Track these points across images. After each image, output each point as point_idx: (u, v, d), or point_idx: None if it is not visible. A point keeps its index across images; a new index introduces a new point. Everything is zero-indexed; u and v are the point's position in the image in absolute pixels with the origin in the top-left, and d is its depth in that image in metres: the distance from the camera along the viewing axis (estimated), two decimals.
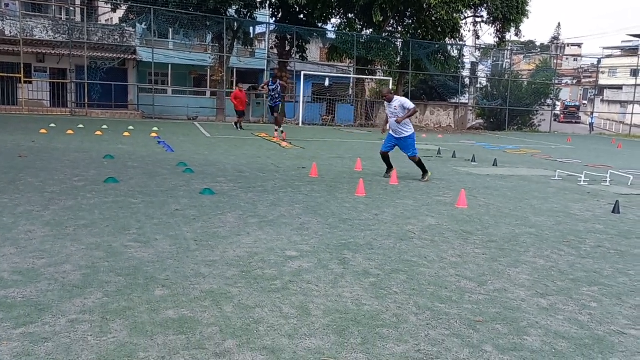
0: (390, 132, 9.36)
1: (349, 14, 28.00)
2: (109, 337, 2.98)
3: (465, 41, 31.45)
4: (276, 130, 16.75)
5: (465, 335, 3.27)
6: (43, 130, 14.40)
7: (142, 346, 2.89)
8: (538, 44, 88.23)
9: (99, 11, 31.38)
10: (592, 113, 40.38)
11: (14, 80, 23.74)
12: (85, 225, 5.28)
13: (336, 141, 17.69)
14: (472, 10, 29.46)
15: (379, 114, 29.64)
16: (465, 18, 30.06)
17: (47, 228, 5.09)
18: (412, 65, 28.08)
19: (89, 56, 24.38)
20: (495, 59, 43.27)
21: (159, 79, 29.78)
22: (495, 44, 29.92)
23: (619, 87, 54.81)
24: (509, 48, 37.66)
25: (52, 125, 16.28)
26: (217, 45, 27.12)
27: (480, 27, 30.42)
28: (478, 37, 31.43)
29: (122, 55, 26.12)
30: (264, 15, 27.88)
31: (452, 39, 29.64)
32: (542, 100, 37.36)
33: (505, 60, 43.07)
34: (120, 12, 27.47)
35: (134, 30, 26.78)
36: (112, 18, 31.43)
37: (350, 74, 30.10)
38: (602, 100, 55.41)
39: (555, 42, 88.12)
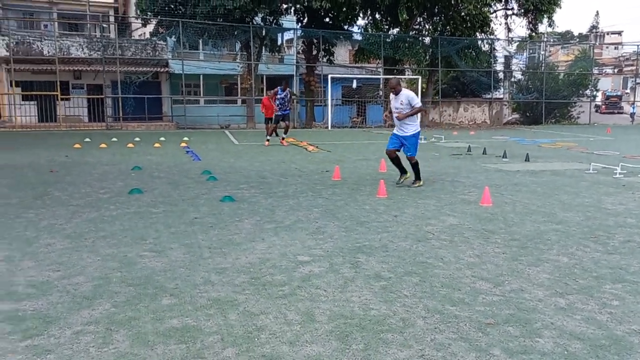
0: (395, 129, 8.47)
1: (375, 14, 27.87)
2: (110, 348, 3.00)
3: (496, 35, 30.85)
4: (283, 139, 16.53)
5: (474, 338, 3.14)
6: (77, 145, 14.84)
7: (141, 356, 2.90)
8: (576, 34, 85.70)
9: (131, 27, 32.27)
10: (633, 102, 38.86)
11: (52, 98, 24.60)
12: (105, 236, 5.38)
13: (364, 143, 17.58)
14: (502, 3, 28.87)
15: None
16: (495, 11, 29.49)
17: (67, 240, 5.21)
18: (442, 62, 27.69)
19: (123, 71, 25.08)
20: (531, 51, 42.20)
21: (191, 90, 30.38)
22: (528, 36, 29.20)
23: None
24: (545, 39, 36.70)
25: (87, 139, 16.77)
26: (245, 53, 27.44)
27: (512, 20, 29.78)
28: (510, 30, 30.77)
29: (155, 69, 26.78)
30: (290, 21, 28.05)
31: (483, 34, 29.11)
32: (581, 92, 36.16)
33: (541, 52, 41.97)
34: (151, 27, 28.16)
35: (165, 43, 27.42)
36: (144, 33, 32.25)
37: (379, 75, 29.92)
38: None
39: (595, 30, 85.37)
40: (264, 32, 26.09)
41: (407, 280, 4.15)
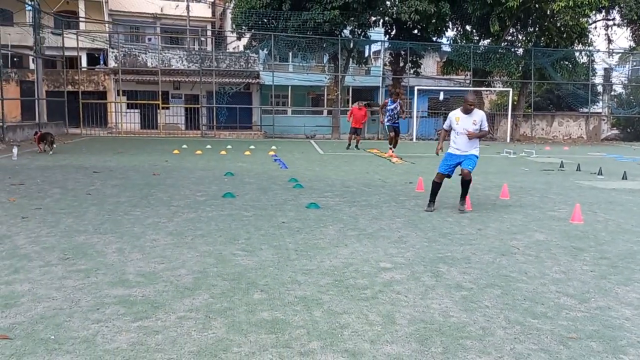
0: (453, 150, 7.65)
1: (465, 26, 27.45)
2: (209, 332, 3.34)
3: (595, 46, 29.29)
4: (391, 149, 16.53)
5: (554, 351, 3.17)
6: (176, 151, 15.90)
7: (236, 342, 3.21)
8: None
9: (227, 40, 33.99)
10: None
11: (154, 106, 26.47)
12: (202, 235, 5.84)
13: None
14: (602, 14, 27.42)
15: (499, 126, 28.52)
16: (595, 22, 28.05)
17: (169, 237, 5.72)
18: (535, 74, 26.70)
19: (218, 82, 26.49)
20: (634, 63, 39.56)
21: (279, 101, 31.44)
22: (631, 47, 27.48)
23: None
24: None
25: (184, 146, 17.90)
26: (332, 65, 28.02)
27: (614, 31, 28.19)
28: (610, 42, 29.12)
29: (247, 80, 28.05)
30: (378, 33, 28.29)
31: (580, 45, 27.76)
32: None
33: None
34: (244, 40, 29.52)
35: (257, 55, 28.64)
36: (238, 46, 33.86)
37: (467, 87, 29.36)
38: None
39: None
40: (352, 44, 26.53)
41: (489, 292, 4.19)
